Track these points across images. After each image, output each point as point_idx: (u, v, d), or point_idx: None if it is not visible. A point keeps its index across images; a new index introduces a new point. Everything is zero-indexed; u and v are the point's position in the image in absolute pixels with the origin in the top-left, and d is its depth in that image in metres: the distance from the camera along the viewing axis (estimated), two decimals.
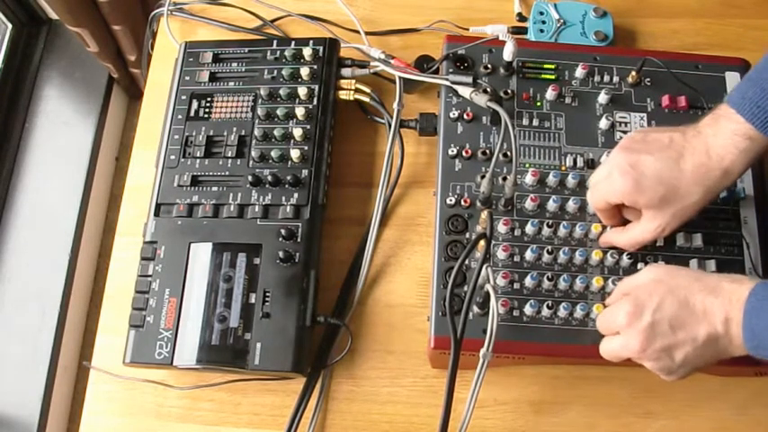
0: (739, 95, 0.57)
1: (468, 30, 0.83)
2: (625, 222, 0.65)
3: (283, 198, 0.70)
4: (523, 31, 0.81)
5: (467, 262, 0.65)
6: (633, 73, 0.72)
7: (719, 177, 0.57)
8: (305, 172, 0.71)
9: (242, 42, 0.79)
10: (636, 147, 0.60)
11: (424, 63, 0.78)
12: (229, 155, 0.72)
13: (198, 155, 0.73)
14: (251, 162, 0.72)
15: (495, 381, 0.68)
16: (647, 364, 0.57)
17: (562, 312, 0.64)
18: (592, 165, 0.70)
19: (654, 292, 0.56)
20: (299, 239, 0.69)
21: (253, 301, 0.67)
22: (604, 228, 0.66)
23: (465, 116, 0.71)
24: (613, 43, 0.80)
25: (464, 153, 0.70)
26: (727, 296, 0.53)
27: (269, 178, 0.70)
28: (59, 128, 1.48)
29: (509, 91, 0.72)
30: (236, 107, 0.75)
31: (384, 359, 0.70)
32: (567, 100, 0.72)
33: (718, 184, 0.58)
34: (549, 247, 0.65)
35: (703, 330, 0.53)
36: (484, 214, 0.65)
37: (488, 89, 0.69)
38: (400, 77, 0.75)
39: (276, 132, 0.72)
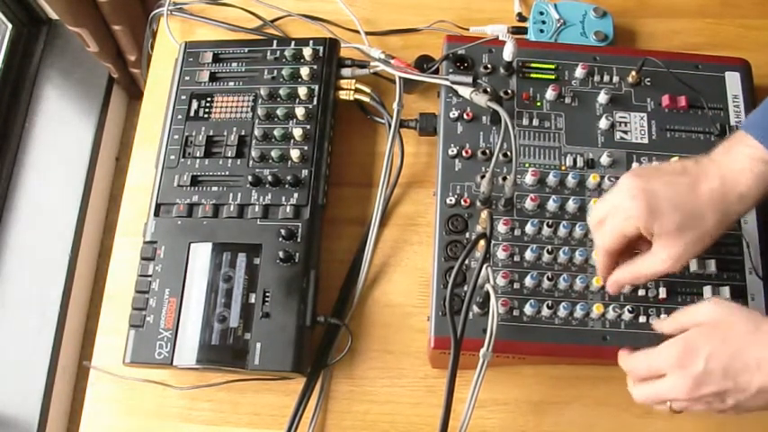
0: (754, 120, 0.56)
1: (468, 30, 0.83)
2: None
3: (283, 198, 0.70)
4: (523, 31, 0.81)
5: (467, 262, 0.65)
6: (633, 73, 0.72)
7: (735, 203, 0.55)
8: (305, 172, 0.71)
9: (242, 42, 0.79)
10: (645, 173, 0.57)
11: (424, 63, 0.78)
12: (229, 155, 0.72)
13: (198, 155, 0.73)
14: (251, 162, 0.72)
15: (495, 381, 0.68)
16: (695, 407, 0.56)
17: (562, 312, 0.64)
18: (592, 165, 0.70)
19: (708, 339, 0.54)
20: (299, 239, 0.69)
21: (253, 301, 0.67)
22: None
23: (465, 116, 0.71)
24: (613, 43, 0.80)
25: (464, 153, 0.70)
26: None
27: (269, 178, 0.70)
28: (59, 128, 1.48)
29: (509, 91, 0.72)
30: (236, 107, 0.75)
31: (384, 359, 0.70)
32: (567, 100, 0.72)
33: (733, 210, 0.56)
34: (549, 247, 0.65)
35: (756, 382, 0.52)
36: (484, 214, 0.65)
37: (488, 89, 0.69)
38: (400, 77, 0.75)
39: (276, 132, 0.72)
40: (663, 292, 0.65)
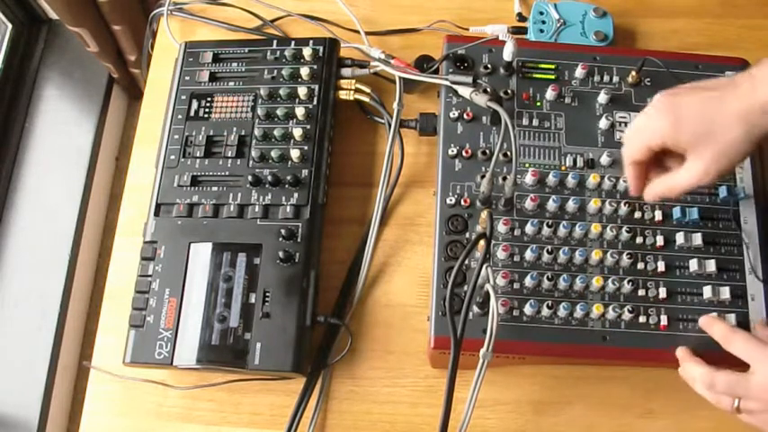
0: None
1: (468, 30, 0.83)
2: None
3: (283, 198, 0.70)
4: (523, 31, 0.81)
5: (467, 262, 0.65)
6: (633, 73, 0.72)
7: (762, 119, 0.54)
8: (305, 172, 0.71)
9: (242, 42, 0.79)
10: (679, 90, 0.58)
11: (424, 63, 0.78)
12: (229, 155, 0.72)
13: (198, 155, 0.73)
14: (251, 162, 0.72)
15: (495, 381, 0.68)
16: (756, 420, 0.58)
17: (562, 312, 0.64)
18: (592, 165, 0.70)
19: None
20: (299, 239, 0.69)
21: (253, 300, 0.67)
22: (604, 227, 0.66)
23: (465, 116, 0.71)
24: (613, 43, 0.80)
25: (464, 153, 0.70)
26: None
27: (269, 178, 0.70)
28: (59, 128, 1.48)
29: (509, 91, 0.72)
30: (236, 107, 0.75)
31: (384, 359, 0.70)
32: (567, 100, 0.72)
33: (759, 127, 0.54)
34: (549, 247, 0.65)
35: None
36: (484, 214, 0.65)
37: (488, 89, 0.69)
38: (400, 77, 0.75)
39: (276, 132, 0.72)
40: (663, 293, 0.65)
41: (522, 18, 0.83)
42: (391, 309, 0.72)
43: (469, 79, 0.70)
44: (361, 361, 0.70)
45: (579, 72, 0.72)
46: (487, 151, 0.70)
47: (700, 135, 0.56)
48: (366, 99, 0.77)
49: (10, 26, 1.49)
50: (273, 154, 0.71)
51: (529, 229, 0.66)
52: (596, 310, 0.63)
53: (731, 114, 0.55)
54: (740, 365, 0.58)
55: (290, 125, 0.73)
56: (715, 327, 0.62)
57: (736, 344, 0.59)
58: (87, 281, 1.47)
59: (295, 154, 0.71)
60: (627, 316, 0.64)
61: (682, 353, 0.63)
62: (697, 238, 0.66)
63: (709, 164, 0.56)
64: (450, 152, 0.70)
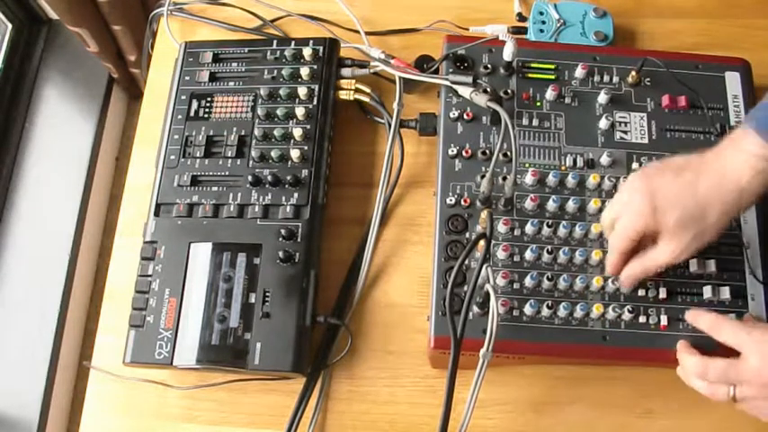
0: (757, 118, 0.56)
1: (468, 30, 0.83)
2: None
3: (283, 198, 0.70)
4: (523, 31, 0.81)
5: (467, 262, 0.65)
6: (633, 73, 0.72)
7: (736, 198, 0.57)
8: (305, 172, 0.71)
9: (242, 42, 0.79)
10: (652, 171, 0.60)
11: (424, 63, 0.78)
12: (229, 155, 0.72)
13: (198, 155, 0.73)
14: (251, 162, 0.72)
15: (495, 381, 0.68)
16: (751, 407, 0.58)
17: (562, 312, 0.64)
18: (591, 165, 0.70)
19: None
20: (299, 239, 0.69)
21: (253, 300, 0.67)
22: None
23: (465, 116, 0.71)
24: (613, 43, 0.80)
25: (464, 153, 0.70)
26: None
27: (269, 178, 0.70)
28: (59, 128, 1.48)
29: (509, 91, 0.72)
30: (236, 107, 0.75)
31: (384, 359, 0.70)
32: (567, 100, 0.72)
33: (735, 206, 0.57)
34: (549, 247, 0.65)
35: None
36: (484, 214, 0.65)
37: (488, 89, 0.69)
38: (400, 77, 0.75)
39: (276, 132, 0.72)
40: (663, 293, 0.65)
41: (522, 18, 0.83)
42: (391, 309, 0.72)
43: (469, 79, 0.70)
44: (360, 361, 0.70)
45: (579, 72, 0.72)
46: (487, 151, 0.70)
47: (678, 218, 0.57)
48: (366, 99, 0.77)
49: (10, 26, 1.48)
50: (273, 154, 0.71)
51: (529, 229, 0.66)
52: (596, 309, 0.63)
53: (706, 200, 0.57)
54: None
55: (290, 125, 0.73)
56: (701, 318, 0.63)
57: (724, 331, 0.60)
58: (87, 281, 1.47)
59: (295, 154, 0.71)
60: (627, 316, 0.64)
61: (680, 345, 0.63)
62: None
63: (688, 244, 0.58)
64: (450, 152, 0.70)
